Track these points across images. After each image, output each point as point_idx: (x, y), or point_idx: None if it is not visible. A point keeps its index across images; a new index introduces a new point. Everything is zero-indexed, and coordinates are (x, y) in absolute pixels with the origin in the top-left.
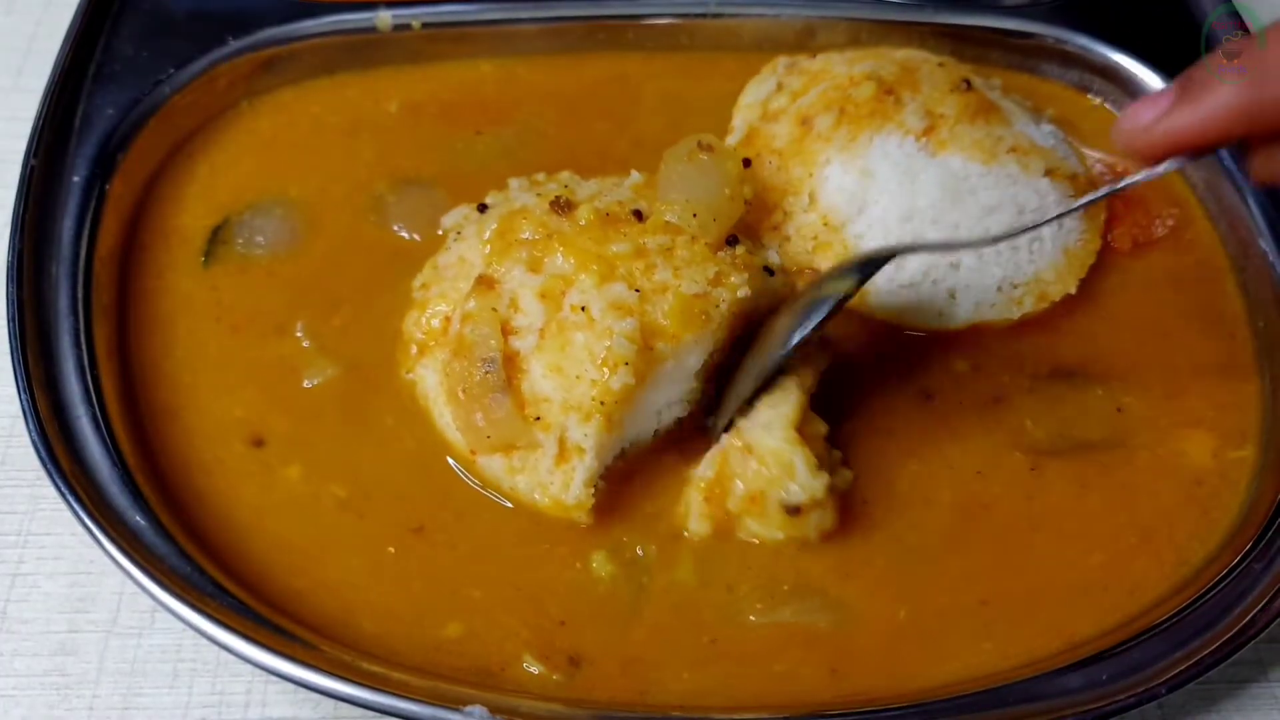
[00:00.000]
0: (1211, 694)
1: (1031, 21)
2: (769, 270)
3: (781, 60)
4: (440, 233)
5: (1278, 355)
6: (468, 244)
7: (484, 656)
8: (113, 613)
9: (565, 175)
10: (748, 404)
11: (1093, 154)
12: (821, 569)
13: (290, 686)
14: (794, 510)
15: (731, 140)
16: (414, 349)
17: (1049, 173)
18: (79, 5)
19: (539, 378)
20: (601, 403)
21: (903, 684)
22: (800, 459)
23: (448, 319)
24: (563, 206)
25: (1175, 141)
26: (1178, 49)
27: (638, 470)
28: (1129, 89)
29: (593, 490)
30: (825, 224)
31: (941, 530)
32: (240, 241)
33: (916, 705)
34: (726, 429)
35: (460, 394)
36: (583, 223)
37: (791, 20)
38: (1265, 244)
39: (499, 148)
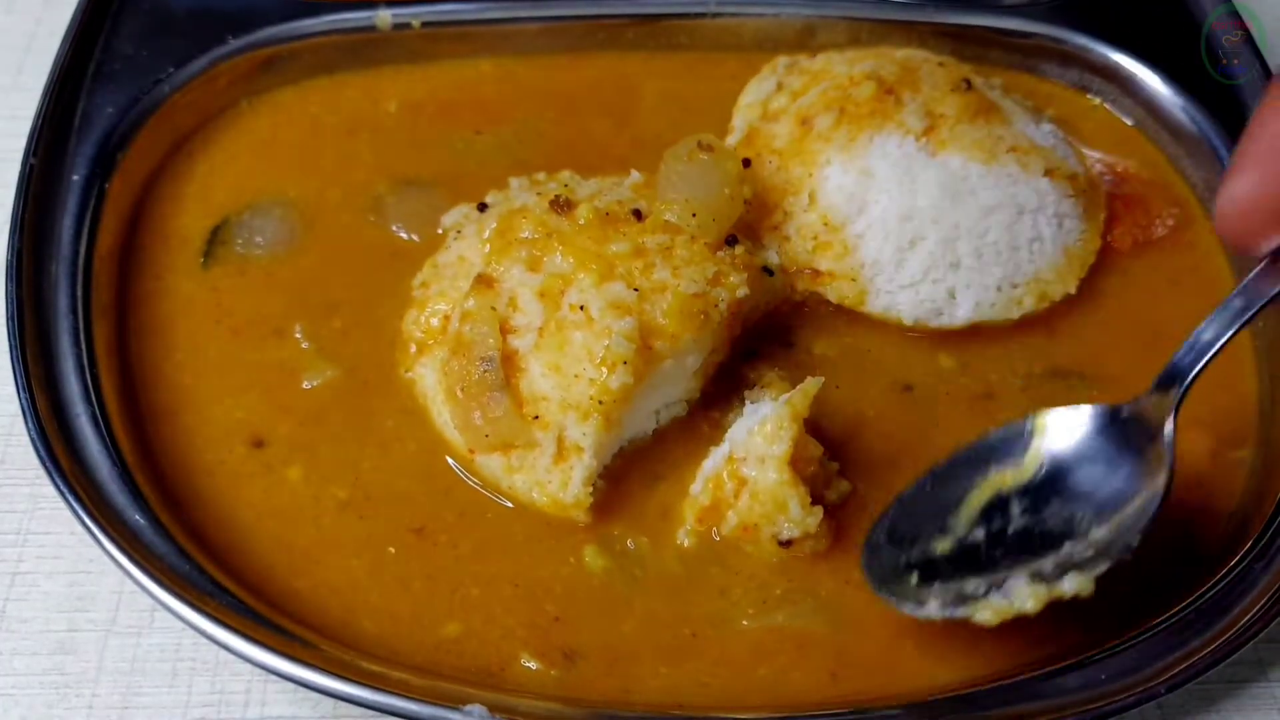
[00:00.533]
0: (1211, 694)
1: (1031, 21)
2: (768, 270)
3: (781, 60)
4: (440, 232)
5: (1276, 356)
6: (467, 243)
7: (483, 655)
8: (112, 612)
9: (565, 174)
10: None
11: (1092, 154)
12: (819, 573)
13: (290, 686)
14: (786, 544)
15: (731, 140)
16: (413, 348)
17: (1049, 172)
18: (79, 4)
19: (537, 376)
20: (600, 402)
21: (902, 685)
22: (794, 499)
23: (447, 318)
24: (562, 206)
25: None
26: (1178, 49)
27: (636, 468)
28: (1129, 89)
29: (591, 489)
30: (825, 224)
31: None
32: (239, 242)
33: (917, 705)
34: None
35: (459, 392)
36: (582, 222)
37: (792, 20)
38: None
39: (498, 147)
